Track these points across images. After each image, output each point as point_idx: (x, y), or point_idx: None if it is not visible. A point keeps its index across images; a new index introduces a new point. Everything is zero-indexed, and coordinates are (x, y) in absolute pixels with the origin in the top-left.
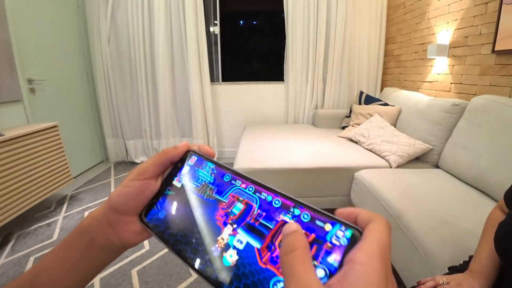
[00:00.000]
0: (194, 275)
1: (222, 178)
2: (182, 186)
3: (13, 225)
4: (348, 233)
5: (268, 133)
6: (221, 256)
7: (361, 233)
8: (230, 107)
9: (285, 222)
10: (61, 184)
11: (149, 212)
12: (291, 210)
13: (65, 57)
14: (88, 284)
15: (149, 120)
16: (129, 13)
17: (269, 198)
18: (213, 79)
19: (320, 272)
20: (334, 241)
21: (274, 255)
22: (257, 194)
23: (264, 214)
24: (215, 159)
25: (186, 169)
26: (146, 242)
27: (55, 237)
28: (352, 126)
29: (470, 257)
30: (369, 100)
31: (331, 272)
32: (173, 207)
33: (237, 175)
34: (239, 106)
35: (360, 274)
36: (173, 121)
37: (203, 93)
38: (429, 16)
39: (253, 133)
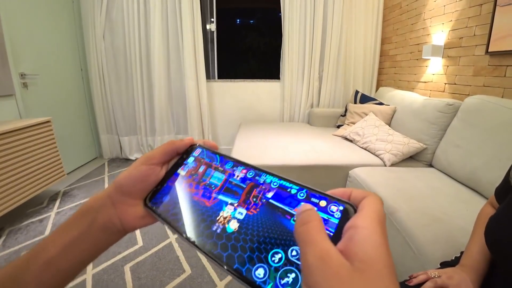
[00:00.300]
0: (188, 271)
1: (225, 166)
2: (187, 174)
3: (5, 220)
4: (341, 208)
5: (263, 131)
6: (224, 230)
7: (354, 209)
8: (225, 104)
9: (278, 197)
10: (53, 180)
11: (154, 197)
12: (288, 189)
13: (59, 52)
14: (80, 280)
15: (144, 116)
16: (124, 8)
17: (268, 180)
18: (209, 76)
19: None
20: (328, 214)
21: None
22: (257, 177)
23: (262, 192)
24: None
25: (191, 160)
26: (139, 238)
27: (47, 233)
28: (347, 125)
29: (462, 253)
30: (365, 99)
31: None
32: (177, 193)
33: (239, 162)
34: (234, 103)
35: (365, 235)
36: (168, 118)
37: (199, 90)
38: (425, 17)
39: (248, 131)
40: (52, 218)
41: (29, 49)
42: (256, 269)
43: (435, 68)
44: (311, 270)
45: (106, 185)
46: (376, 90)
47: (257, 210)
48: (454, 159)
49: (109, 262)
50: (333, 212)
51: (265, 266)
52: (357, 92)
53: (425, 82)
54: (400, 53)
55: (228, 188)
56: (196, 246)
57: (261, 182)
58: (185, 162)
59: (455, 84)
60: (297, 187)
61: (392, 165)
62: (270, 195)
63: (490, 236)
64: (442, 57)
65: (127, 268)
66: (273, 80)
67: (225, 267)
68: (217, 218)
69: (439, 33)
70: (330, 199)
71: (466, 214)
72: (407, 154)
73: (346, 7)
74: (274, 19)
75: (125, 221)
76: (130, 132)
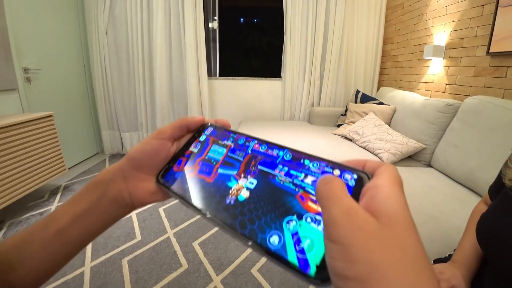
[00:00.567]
0: (185, 266)
1: (237, 142)
2: (199, 151)
3: (5, 213)
4: (355, 176)
5: (263, 129)
6: (236, 200)
7: (368, 177)
8: (226, 102)
9: (290, 169)
10: (54, 175)
11: (166, 174)
12: (302, 161)
13: (62, 47)
14: (79, 272)
15: (145, 113)
16: (127, 5)
17: (281, 153)
18: (210, 73)
19: None
20: (343, 180)
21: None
22: (269, 151)
23: (276, 165)
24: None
25: (203, 138)
26: (138, 233)
27: None
28: (348, 124)
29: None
30: (365, 99)
31: None
32: (189, 169)
33: (251, 137)
34: (235, 101)
35: (387, 193)
36: (169, 114)
37: (200, 88)
38: (427, 17)
39: (248, 128)
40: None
41: (32, 44)
42: (271, 236)
43: (436, 69)
44: (336, 224)
45: None
46: (377, 90)
47: (271, 183)
48: (453, 159)
49: (107, 255)
50: (347, 180)
51: (280, 233)
52: (358, 91)
53: (426, 82)
54: (401, 53)
55: (241, 164)
56: (210, 218)
57: (275, 155)
58: (197, 141)
59: (455, 84)
60: (311, 159)
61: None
62: (285, 168)
63: (481, 233)
64: (444, 58)
65: (124, 262)
66: (274, 78)
67: (240, 236)
68: (230, 191)
69: (440, 34)
70: (344, 168)
71: (462, 213)
72: (406, 153)
73: (348, 7)
74: (276, 18)
75: (135, 195)
76: (131, 128)
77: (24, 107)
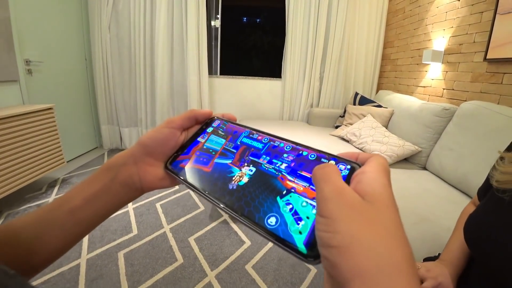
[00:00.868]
0: (180, 260)
1: (241, 134)
2: (205, 142)
3: (3, 204)
4: (349, 166)
5: (262, 128)
6: (238, 185)
7: (360, 167)
8: (226, 100)
9: (294, 157)
10: (53, 167)
11: (174, 161)
12: (300, 151)
13: (64, 41)
14: (75, 264)
15: (145, 108)
16: (131, 0)
17: (281, 145)
18: (211, 72)
19: None
20: None
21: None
22: (271, 142)
23: (277, 157)
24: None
25: (210, 130)
26: (134, 227)
27: None
28: (345, 125)
29: None
30: (364, 101)
31: None
32: (196, 158)
33: (255, 130)
34: (235, 100)
35: (372, 177)
36: (169, 111)
37: (201, 85)
38: (427, 22)
39: None
40: None
41: (35, 36)
42: (269, 217)
43: (434, 73)
44: (327, 201)
45: None
46: (376, 93)
47: (270, 172)
48: (447, 163)
49: (103, 248)
50: (341, 170)
51: (277, 215)
52: (356, 94)
53: (424, 86)
54: (401, 57)
55: (246, 154)
56: (214, 201)
57: (276, 146)
58: (204, 132)
59: (453, 89)
60: (307, 150)
61: None
62: (285, 158)
63: (469, 232)
64: (442, 63)
65: (121, 255)
66: (274, 78)
67: (242, 218)
68: (233, 177)
69: (439, 39)
70: (339, 160)
71: (454, 215)
72: (401, 156)
73: (350, 10)
74: (278, 18)
75: (144, 179)
76: (130, 124)
77: (24, 99)
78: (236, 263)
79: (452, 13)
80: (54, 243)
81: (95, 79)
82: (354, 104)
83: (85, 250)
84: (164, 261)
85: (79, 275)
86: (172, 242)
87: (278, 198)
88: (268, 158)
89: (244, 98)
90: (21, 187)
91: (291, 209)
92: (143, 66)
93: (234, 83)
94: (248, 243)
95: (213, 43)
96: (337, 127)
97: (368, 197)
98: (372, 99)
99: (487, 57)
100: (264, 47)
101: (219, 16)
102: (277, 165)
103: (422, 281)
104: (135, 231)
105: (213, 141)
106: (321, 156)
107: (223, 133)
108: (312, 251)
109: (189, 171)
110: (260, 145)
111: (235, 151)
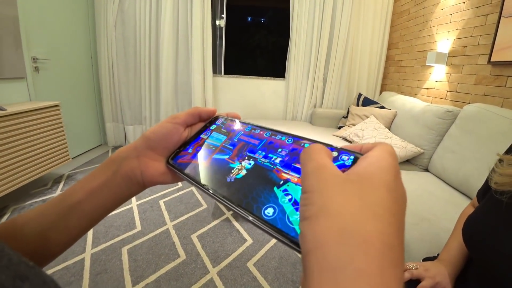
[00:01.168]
0: (182, 257)
1: (245, 130)
2: (209, 139)
3: (9, 199)
4: (352, 157)
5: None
6: (235, 178)
7: None
8: (230, 99)
9: (288, 151)
10: (58, 163)
11: (176, 157)
12: (302, 144)
13: (70, 39)
14: (79, 258)
15: (149, 107)
16: (137, 0)
17: (283, 138)
18: (215, 71)
19: None
20: (340, 160)
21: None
22: (273, 136)
23: (270, 150)
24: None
25: (213, 127)
26: (138, 223)
27: None
28: (348, 126)
29: None
30: (367, 102)
31: None
32: (197, 154)
33: (257, 126)
34: (239, 99)
35: (372, 162)
36: (173, 109)
37: (205, 84)
38: (431, 24)
39: None
40: None
41: (42, 34)
42: (266, 208)
43: (438, 75)
44: (307, 177)
45: None
46: (380, 94)
47: (266, 165)
48: (449, 165)
49: (108, 243)
50: (345, 161)
51: (275, 206)
52: (360, 95)
53: (427, 88)
54: (405, 58)
55: (243, 149)
56: (214, 194)
57: (272, 142)
58: (208, 130)
59: (456, 92)
60: (310, 142)
61: None
62: (279, 153)
63: (467, 232)
64: (446, 65)
65: (124, 250)
66: (278, 78)
67: (239, 209)
68: (232, 171)
69: (444, 41)
70: (342, 150)
71: (454, 216)
72: (404, 157)
73: (355, 11)
74: (282, 18)
75: (146, 174)
76: (135, 121)
77: (31, 95)
78: (238, 260)
79: (457, 15)
80: (58, 237)
81: (101, 77)
82: (357, 105)
83: (90, 245)
84: (167, 257)
85: (84, 269)
86: (175, 239)
87: (275, 188)
88: (263, 153)
89: (248, 98)
90: (27, 183)
91: (290, 199)
92: (148, 65)
93: (238, 82)
94: (250, 241)
95: (217, 43)
96: (340, 127)
97: (352, 176)
98: (375, 100)
99: (491, 60)
100: (269, 47)
101: (224, 15)
102: (272, 159)
103: (420, 280)
104: (138, 227)
105: (215, 138)
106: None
107: (225, 131)
108: None
109: (190, 167)
110: (257, 142)
111: (232, 147)
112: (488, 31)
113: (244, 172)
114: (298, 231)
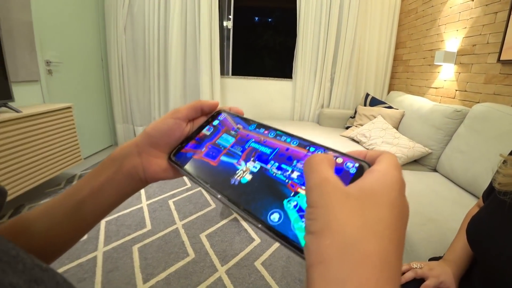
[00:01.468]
0: (192, 255)
1: (248, 128)
2: (210, 135)
3: (25, 198)
4: (357, 164)
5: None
6: (240, 180)
7: (369, 166)
8: (238, 100)
9: (296, 152)
10: (71, 164)
11: (178, 153)
12: (307, 147)
13: (82, 42)
14: (92, 256)
15: (158, 108)
16: (146, 3)
17: (288, 140)
18: (223, 72)
19: None
20: (345, 168)
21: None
22: (277, 137)
23: (281, 150)
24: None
25: (216, 123)
26: (148, 222)
27: None
28: (356, 126)
29: None
30: (374, 102)
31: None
32: (199, 151)
33: (261, 125)
34: (246, 100)
35: (377, 177)
36: None
37: (213, 85)
38: (440, 23)
39: None
40: None
41: (54, 38)
42: (272, 213)
43: (446, 75)
44: (311, 191)
45: None
46: (388, 94)
47: (275, 169)
48: (458, 165)
49: (119, 242)
50: (349, 168)
51: (280, 211)
52: (367, 95)
53: (436, 88)
54: (413, 58)
55: (250, 148)
56: (216, 194)
57: (282, 141)
58: (210, 125)
59: (465, 91)
60: (316, 147)
61: None
62: (296, 166)
63: (471, 233)
64: (455, 64)
65: (135, 248)
66: (285, 79)
67: (243, 212)
68: (237, 173)
69: (452, 40)
70: (347, 157)
71: (462, 216)
72: (411, 157)
73: (362, 10)
74: (289, 18)
75: (148, 170)
76: (144, 122)
77: (45, 98)
78: (246, 259)
79: (465, 14)
80: (65, 234)
81: (111, 79)
82: (365, 105)
83: (102, 243)
84: (177, 255)
85: (96, 267)
86: (184, 238)
87: (285, 201)
88: (276, 164)
89: (255, 98)
90: (41, 183)
91: (295, 205)
92: (157, 67)
93: (246, 83)
94: (257, 240)
95: (225, 44)
96: (347, 128)
97: (356, 191)
98: (383, 100)
99: (501, 59)
100: (276, 47)
101: (231, 16)
102: (287, 172)
103: (424, 279)
104: (148, 227)
105: (219, 136)
106: (328, 152)
107: (228, 128)
108: None
109: (193, 163)
110: (268, 150)
111: (240, 149)
112: (497, 29)
113: (249, 176)
114: (302, 242)
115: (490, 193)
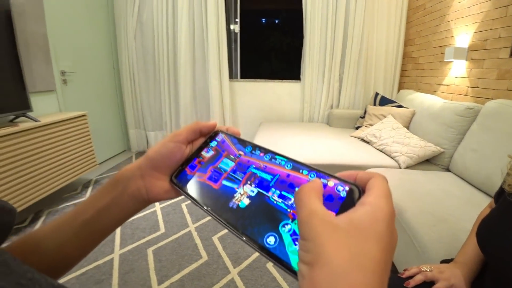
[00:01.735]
0: (205, 257)
1: (244, 150)
2: (209, 158)
3: (44, 203)
4: (347, 188)
5: (282, 130)
6: (238, 204)
7: (359, 189)
8: (247, 103)
9: (291, 179)
10: (87, 169)
11: (179, 175)
12: (301, 170)
13: (94, 51)
14: (108, 258)
15: (169, 113)
16: (154, 11)
17: (283, 163)
18: (231, 76)
19: None
20: (335, 192)
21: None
22: (273, 160)
23: (282, 177)
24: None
25: (214, 144)
26: (162, 226)
27: None
28: (366, 126)
29: None
30: (384, 101)
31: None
32: (200, 174)
33: (257, 147)
34: (256, 103)
35: (367, 211)
36: (192, 114)
37: (222, 89)
38: (449, 18)
39: (268, 130)
40: None
41: (68, 49)
42: (268, 237)
43: (458, 71)
44: (301, 224)
45: None
46: (398, 92)
47: (270, 189)
48: (470, 164)
49: (134, 245)
50: (339, 192)
51: (276, 235)
52: (377, 94)
53: (447, 85)
54: (423, 55)
55: (247, 172)
56: (216, 217)
57: (277, 164)
58: (208, 146)
59: (478, 87)
60: (308, 169)
61: (408, 167)
62: (283, 176)
63: (481, 235)
64: (466, 60)
65: (150, 251)
66: (293, 80)
67: (242, 236)
68: (233, 198)
69: (463, 35)
70: (338, 180)
71: (474, 217)
72: (423, 157)
73: (368, 9)
74: (295, 20)
75: (151, 192)
76: (156, 128)
77: (61, 106)
78: (258, 261)
79: (475, 8)
80: (73, 251)
81: (123, 86)
82: (374, 104)
83: (118, 246)
84: (190, 258)
85: (113, 269)
86: (197, 240)
87: (280, 227)
88: (278, 192)
89: (264, 101)
90: (59, 188)
91: (289, 230)
92: (166, 73)
93: (254, 86)
94: None
95: (232, 47)
96: (357, 128)
97: (347, 224)
98: (393, 99)
99: None
100: (283, 49)
101: (238, 20)
102: (289, 201)
103: (434, 283)
104: (162, 230)
105: (215, 157)
106: (320, 176)
107: (225, 149)
108: None
109: (193, 186)
110: (268, 176)
111: (239, 174)
112: (508, 23)
113: (247, 200)
114: (294, 264)
115: (501, 195)
